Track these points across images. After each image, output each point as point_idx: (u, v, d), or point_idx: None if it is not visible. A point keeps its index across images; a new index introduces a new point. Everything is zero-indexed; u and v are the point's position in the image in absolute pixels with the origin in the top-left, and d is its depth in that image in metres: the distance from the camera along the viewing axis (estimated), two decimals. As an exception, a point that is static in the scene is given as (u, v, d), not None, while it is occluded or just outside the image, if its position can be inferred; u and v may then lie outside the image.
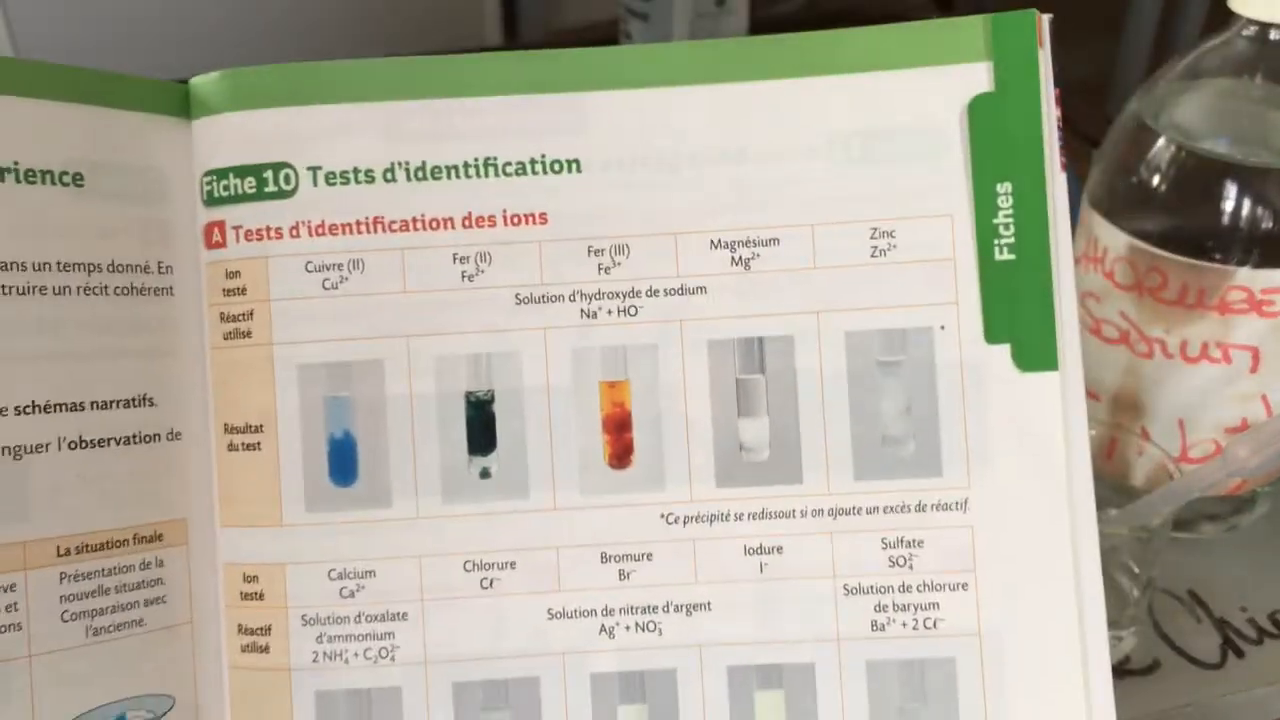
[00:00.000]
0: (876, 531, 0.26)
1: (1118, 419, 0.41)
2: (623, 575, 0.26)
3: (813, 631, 0.26)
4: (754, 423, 0.26)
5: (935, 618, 0.26)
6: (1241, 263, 0.36)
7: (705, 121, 0.26)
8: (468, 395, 0.26)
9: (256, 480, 0.27)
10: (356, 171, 0.26)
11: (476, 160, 0.26)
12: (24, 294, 0.25)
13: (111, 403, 0.26)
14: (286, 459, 0.26)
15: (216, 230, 0.27)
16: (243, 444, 0.27)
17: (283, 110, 0.26)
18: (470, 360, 0.26)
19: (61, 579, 0.25)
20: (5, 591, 0.24)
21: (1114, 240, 0.38)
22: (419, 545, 0.26)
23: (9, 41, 0.75)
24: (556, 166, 0.26)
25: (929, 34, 0.26)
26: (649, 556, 0.26)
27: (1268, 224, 0.36)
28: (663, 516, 0.26)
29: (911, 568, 0.26)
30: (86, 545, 0.25)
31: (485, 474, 0.26)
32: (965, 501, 0.26)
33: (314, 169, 0.26)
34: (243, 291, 0.27)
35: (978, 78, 0.26)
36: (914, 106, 0.26)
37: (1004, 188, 0.26)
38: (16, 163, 0.25)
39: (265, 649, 0.26)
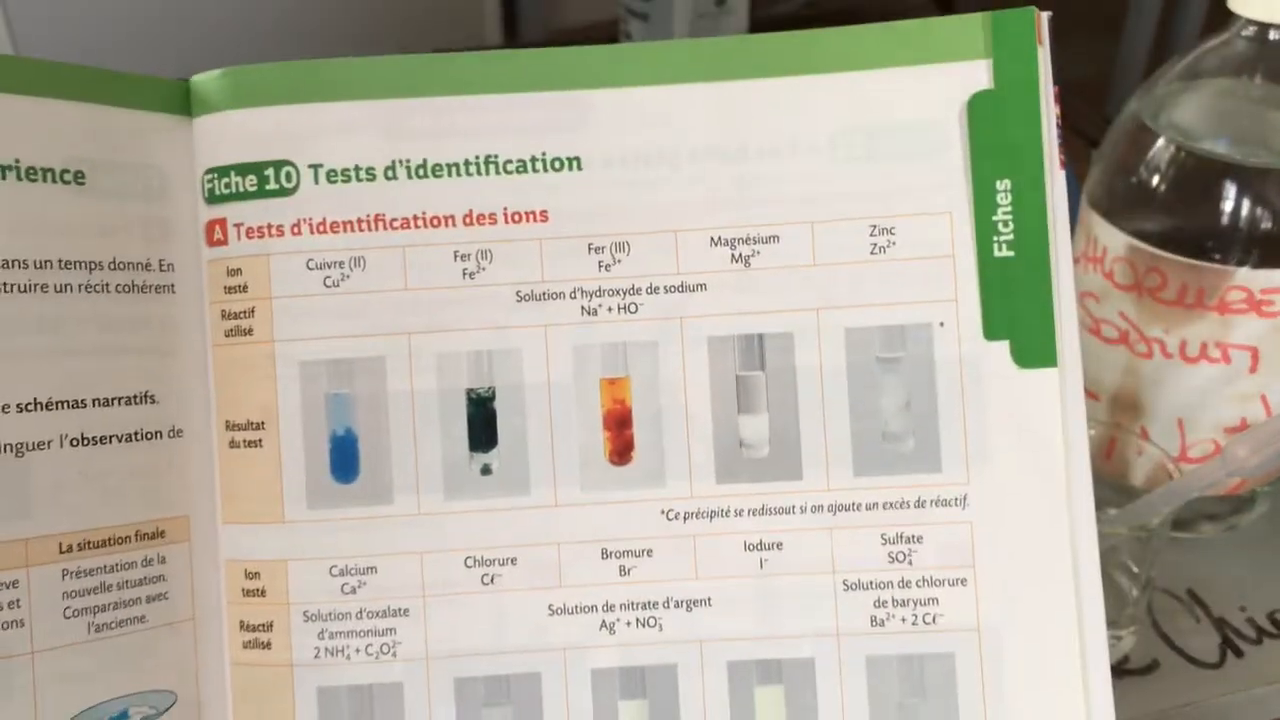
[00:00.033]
0: (876, 527, 0.26)
1: (1117, 419, 0.41)
2: (623, 571, 0.26)
3: (812, 627, 0.26)
4: (754, 419, 0.26)
5: (934, 613, 0.26)
6: (1241, 263, 0.36)
7: (705, 119, 0.26)
8: (469, 392, 0.26)
9: (258, 477, 0.27)
10: (358, 169, 0.26)
11: (477, 158, 0.27)
12: (25, 292, 0.25)
13: (113, 400, 0.26)
14: (288, 456, 0.26)
15: (218, 228, 0.27)
16: (244, 441, 0.27)
17: (284, 108, 0.26)
18: (471, 357, 0.26)
19: (63, 576, 0.25)
20: (7, 588, 0.24)
21: (1113, 240, 0.38)
22: (420, 542, 0.26)
23: (9, 41, 0.75)
24: (557, 164, 0.26)
25: (929, 32, 0.26)
26: (649, 553, 0.26)
27: (1267, 224, 0.36)
28: (663, 513, 0.26)
29: (911, 563, 0.26)
30: (88, 542, 0.25)
31: (486, 470, 0.26)
32: (964, 498, 0.26)
33: (315, 167, 0.26)
34: (244, 289, 0.27)
35: (977, 75, 0.26)
36: (914, 104, 0.26)
37: (1003, 185, 0.26)
38: (17, 161, 0.25)
39: (267, 645, 0.26)
